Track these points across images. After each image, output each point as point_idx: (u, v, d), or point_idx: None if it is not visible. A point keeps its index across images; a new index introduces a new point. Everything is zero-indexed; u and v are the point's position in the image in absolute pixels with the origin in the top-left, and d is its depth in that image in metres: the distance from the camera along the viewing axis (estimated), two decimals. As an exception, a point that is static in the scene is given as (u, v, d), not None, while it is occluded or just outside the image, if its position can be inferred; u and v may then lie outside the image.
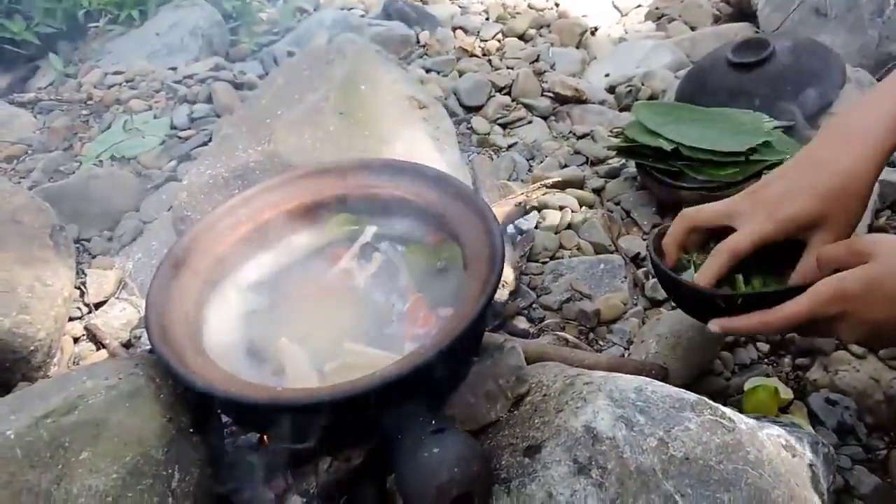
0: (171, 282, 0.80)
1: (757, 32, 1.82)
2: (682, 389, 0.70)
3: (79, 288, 1.21)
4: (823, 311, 0.66)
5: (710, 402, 0.68)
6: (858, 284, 0.65)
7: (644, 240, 1.22)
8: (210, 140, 1.57)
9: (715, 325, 0.74)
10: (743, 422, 0.66)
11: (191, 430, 0.72)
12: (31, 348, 1.00)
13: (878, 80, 1.41)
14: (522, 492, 0.62)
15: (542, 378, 0.77)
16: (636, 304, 1.10)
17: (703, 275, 0.77)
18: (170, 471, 0.67)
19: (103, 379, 0.71)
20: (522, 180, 1.43)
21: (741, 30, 1.89)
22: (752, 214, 0.76)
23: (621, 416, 0.65)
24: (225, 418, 0.86)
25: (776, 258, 0.78)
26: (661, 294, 1.10)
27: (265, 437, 0.83)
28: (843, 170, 0.72)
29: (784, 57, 1.33)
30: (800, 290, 0.68)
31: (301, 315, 0.81)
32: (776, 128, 1.20)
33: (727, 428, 0.65)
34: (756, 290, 0.77)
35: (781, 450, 0.65)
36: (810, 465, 0.66)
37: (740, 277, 0.79)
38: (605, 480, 0.61)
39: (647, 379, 0.72)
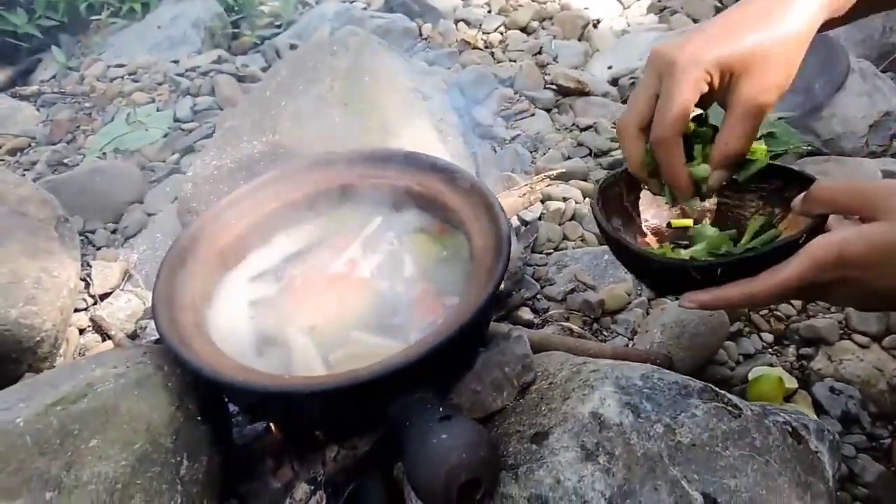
0: (178, 271, 0.80)
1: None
2: (687, 377, 0.70)
3: (84, 280, 1.21)
4: (818, 279, 0.56)
5: (716, 389, 0.69)
6: (866, 249, 0.53)
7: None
8: (213, 133, 1.57)
9: (689, 302, 0.62)
10: (749, 409, 0.67)
11: (198, 418, 0.73)
12: (38, 339, 1.00)
13: (883, 71, 1.42)
14: (530, 477, 0.62)
15: (547, 367, 0.77)
16: (640, 295, 1.11)
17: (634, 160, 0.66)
18: (178, 458, 0.68)
19: (112, 367, 0.71)
20: (526, 172, 1.43)
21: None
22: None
23: (628, 403, 0.65)
24: (232, 407, 0.87)
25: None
26: (665, 284, 1.10)
27: (272, 425, 0.83)
28: (783, 17, 0.61)
29: (788, 48, 1.33)
30: (787, 248, 0.58)
31: (307, 304, 0.82)
32: (780, 118, 1.19)
33: (733, 415, 0.65)
34: (734, 253, 0.66)
35: (787, 437, 0.66)
36: (816, 453, 0.66)
37: (705, 227, 0.71)
38: (612, 466, 0.61)
39: (654, 366, 0.72)
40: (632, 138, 0.66)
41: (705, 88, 0.61)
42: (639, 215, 0.78)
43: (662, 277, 0.67)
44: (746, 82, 0.60)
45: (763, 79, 0.60)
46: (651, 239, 0.77)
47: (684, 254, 0.68)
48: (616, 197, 0.76)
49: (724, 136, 0.63)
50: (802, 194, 0.61)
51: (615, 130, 0.69)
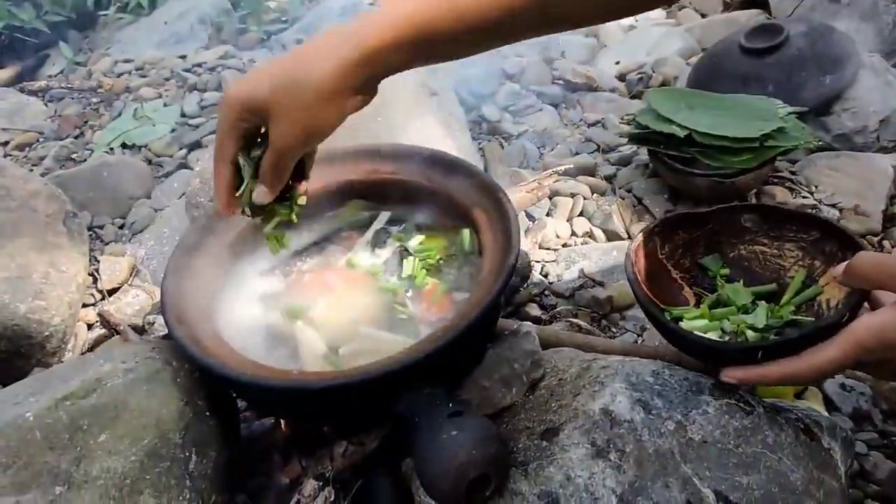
0: (186, 266, 0.80)
1: (768, 19, 1.81)
2: (699, 374, 0.70)
3: (92, 275, 1.21)
4: (862, 359, 0.56)
5: (728, 386, 0.68)
6: None
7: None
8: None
9: (729, 378, 0.63)
10: (761, 405, 0.66)
11: (207, 413, 0.73)
12: (46, 334, 1.00)
13: (895, 66, 1.40)
14: (540, 474, 0.62)
15: (557, 363, 0.77)
16: (649, 291, 1.10)
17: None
18: (187, 454, 0.68)
19: (121, 362, 0.71)
20: (533, 168, 1.43)
21: (752, 16, 1.87)
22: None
23: (639, 400, 0.65)
24: (241, 402, 0.86)
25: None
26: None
27: (281, 421, 0.83)
28: (312, 64, 0.62)
29: (798, 42, 1.32)
30: (829, 329, 0.58)
31: (316, 300, 0.81)
32: (790, 113, 1.19)
33: (745, 411, 0.65)
34: (762, 332, 0.68)
35: (800, 433, 0.65)
36: (829, 450, 0.66)
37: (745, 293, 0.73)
38: (623, 463, 0.61)
39: (664, 363, 0.71)
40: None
41: (244, 126, 0.66)
42: (675, 266, 0.79)
43: (702, 354, 0.70)
44: (272, 127, 0.64)
45: (281, 127, 0.64)
46: (689, 293, 0.78)
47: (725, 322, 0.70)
48: (652, 253, 0.77)
49: (263, 173, 0.69)
50: (843, 266, 0.61)
51: None
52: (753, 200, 1.22)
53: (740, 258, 0.79)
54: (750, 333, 0.69)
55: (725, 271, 0.78)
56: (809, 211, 0.70)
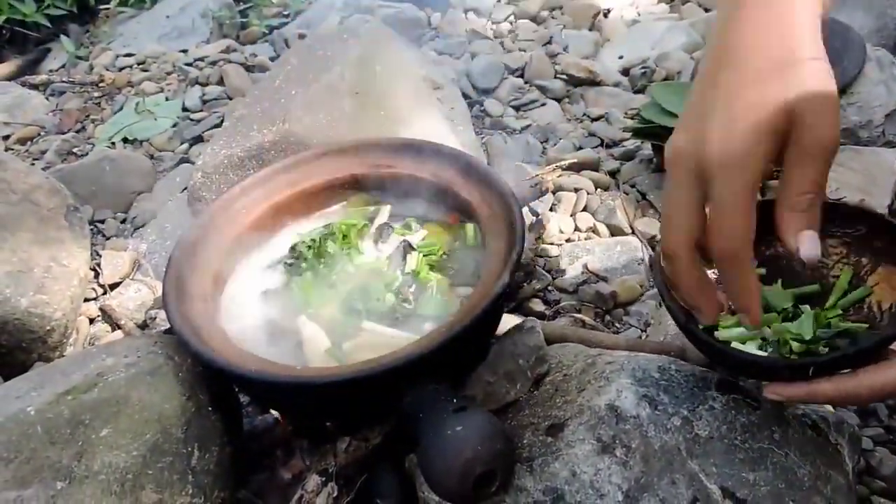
0: (189, 260, 0.79)
1: (774, 13, 1.79)
2: (705, 369, 0.70)
3: (93, 269, 1.21)
4: None
5: (734, 381, 0.68)
6: None
7: (661, 221, 1.20)
8: (222, 122, 1.56)
9: (774, 394, 0.56)
10: (767, 401, 0.65)
11: (210, 408, 0.72)
12: (48, 328, 1.00)
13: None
14: (546, 470, 0.62)
15: (562, 358, 0.76)
16: (653, 287, 1.09)
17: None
18: (189, 449, 0.67)
19: (123, 357, 0.71)
20: (536, 162, 1.42)
21: (757, 11, 1.86)
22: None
23: (645, 395, 0.64)
24: (244, 397, 0.86)
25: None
26: (679, 276, 1.09)
27: (284, 416, 0.83)
28: (796, 44, 0.51)
29: (804, 36, 1.31)
30: (885, 342, 0.54)
31: (320, 294, 0.81)
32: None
33: (752, 407, 0.64)
34: (810, 343, 0.60)
35: (807, 429, 0.65)
36: (836, 445, 0.65)
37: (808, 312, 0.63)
38: (629, 459, 0.60)
39: (670, 358, 0.71)
40: (685, 260, 0.55)
41: (767, 167, 0.51)
42: (708, 264, 0.69)
43: (742, 369, 0.63)
44: (806, 131, 0.49)
45: (823, 116, 0.49)
46: (723, 296, 0.69)
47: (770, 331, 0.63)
48: None
49: (792, 196, 0.51)
50: None
51: (664, 254, 0.58)
52: (760, 196, 1.21)
53: (777, 256, 0.71)
54: (795, 345, 0.61)
55: (761, 271, 0.71)
56: (855, 203, 0.64)
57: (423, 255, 0.84)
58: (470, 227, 0.84)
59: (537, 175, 1.23)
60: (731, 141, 0.50)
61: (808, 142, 0.49)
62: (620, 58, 1.81)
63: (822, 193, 0.51)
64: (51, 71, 2.04)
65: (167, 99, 1.75)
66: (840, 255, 0.68)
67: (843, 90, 1.29)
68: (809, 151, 0.50)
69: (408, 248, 0.85)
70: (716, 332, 0.63)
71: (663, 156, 1.16)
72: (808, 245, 0.52)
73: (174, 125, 1.64)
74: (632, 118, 1.49)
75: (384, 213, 0.91)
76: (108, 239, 1.33)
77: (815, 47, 0.51)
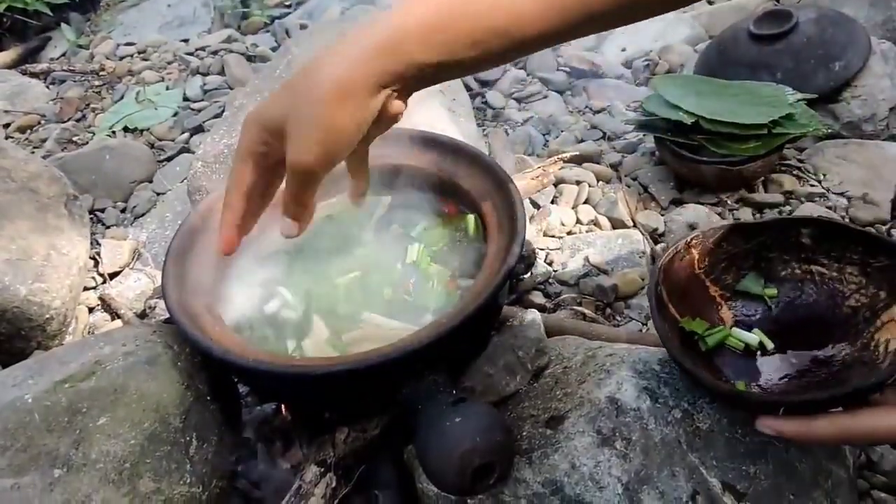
0: (188, 250, 0.79)
1: (777, 5, 1.79)
2: (706, 362, 0.69)
3: (93, 258, 1.20)
4: None
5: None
6: None
7: (662, 214, 1.20)
8: (223, 112, 1.56)
9: (767, 428, 0.55)
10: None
11: (208, 398, 0.72)
12: (47, 317, 1.00)
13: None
14: (545, 462, 0.61)
15: (562, 351, 0.76)
16: (654, 280, 1.09)
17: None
18: (187, 438, 0.67)
19: (121, 345, 0.70)
20: (538, 155, 1.41)
21: (761, 3, 1.85)
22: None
23: (645, 388, 0.64)
24: (243, 388, 0.86)
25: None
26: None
27: (283, 406, 0.82)
28: (320, 67, 0.56)
29: (808, 28, 1.30)
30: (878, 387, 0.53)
31: (319, 285, 0.80)
32: (799, 100, 1.17)
33: (753, 401, 0.64)
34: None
35: (807, 424, 0.64)
36: (836, 440, 0.65)
37: None
38: (629, 452, 0.60)
39: (671, 351, 0.70)
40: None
41: (262, 150, 0.60)
42: (714, 283, 0.72)
43: (739, 405, 0.62)
44: (287, 145, 0.57)
45: (295, 142, 0.57)
46: (727, 314, 0.71)
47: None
48: (688, 266, 0.70)
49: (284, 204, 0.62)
50: None
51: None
52: (763, 190, 1.21)
53: (793, 277, 0.70)
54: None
55: (772, 291, 0.71)
56: (879, 233, 0.62)
57: (424, 247, 0.84)
58: (471, 218, 0.83)
59: (539, 167, 1.22)
60: (249, 114, 0.61)
61: (287, 156, 0.58)
62: (623, 50, 1.80)
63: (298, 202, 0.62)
64: (51, 59, 2.03)
65: (168, 88, 1.74)
66: (858, 285, 0.66)
67: (847, 83, 1.28)
68: (287, 164, 0.58)
69: (408, 239, 0.85)
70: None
71: (665, 148, 1.15)
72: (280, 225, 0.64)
73: (175, 115, 1.63)
74: (634, 111, 1.49)
75: (384, 203, 0.90)
76: (108, 228, 1.33)
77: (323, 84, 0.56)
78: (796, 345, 0.67)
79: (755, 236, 0.72)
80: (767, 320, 0.70)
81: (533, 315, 0.77)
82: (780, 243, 0.71)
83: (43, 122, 1.70)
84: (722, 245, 0.71)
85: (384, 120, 0.61)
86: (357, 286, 0.80)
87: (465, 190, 0.83)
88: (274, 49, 1.90)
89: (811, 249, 0.69)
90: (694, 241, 0.71)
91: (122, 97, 1.74)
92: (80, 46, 2.07)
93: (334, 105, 0.55)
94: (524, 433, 0.65)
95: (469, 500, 0.63)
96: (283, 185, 0.62)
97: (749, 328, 0.69)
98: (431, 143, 0.89)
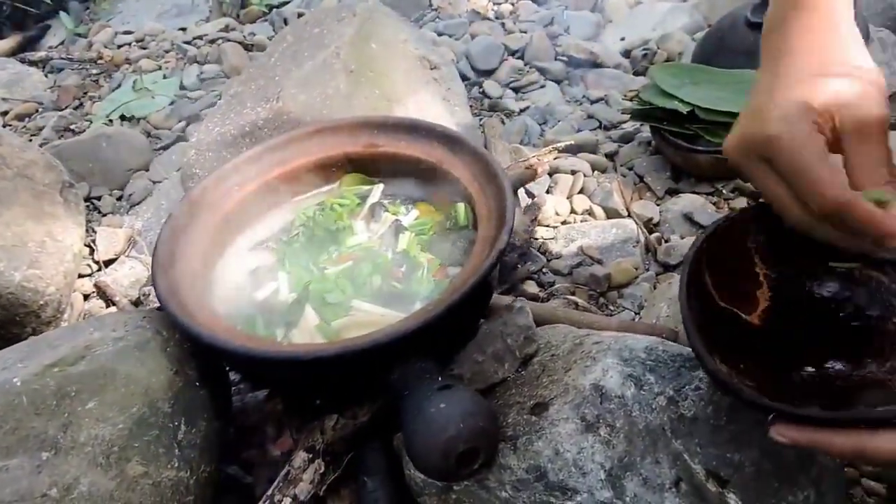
0: (179, 237, 0.79)
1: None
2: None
3: (88, 246, 1.21)
4: None
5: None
6: None
7: (658, 204, 1.20)
8: (220, 100, 1.56)
9: (781, 437, 0.51)
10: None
11: (197, 383, 0.72)
12: (41, 303, 1.00)
13: (904, 43, 1.37)
14: (529, 448, 0.62)
15: (551, 338, 0.76)
16: (648, 269, 1.09)
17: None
18: (176, 423, 0.67)
19: (111, 331, 0.71)
20: (534, 145, 1.41)
21: (760, -8, 1.84)
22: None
23: (630, 375, 0.64)
24: (235, 375, 0.86)
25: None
26: (674, 259, 1.08)
27: (272, 393, 0.83)
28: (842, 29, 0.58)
29: (806, 18, 1.29)
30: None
31: (309, 273, 0.81)
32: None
33: (738, 388, 0.64)
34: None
35: (793, 411, 0.64)
36: (822, 428, 0.65)
37: None
38: (612, 438, 0.60)
39: (659, 339, 0.71)
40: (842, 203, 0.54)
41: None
42: (764, 262, 0.66)
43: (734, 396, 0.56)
44: (853, 110, 0.54)
45: (864, 93, 0.55)
46: (764, 295, 0.65)
47: None
48: (739, 238, 0.64)
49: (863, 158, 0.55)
50: None
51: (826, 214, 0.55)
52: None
53: (851, 278, 0.65)
54: None
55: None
56: None
57: (415, 235, 0.84)
58: (461, 206, 0.83)
59: (534, 157, 1.22)
60: (779, 121, 0.55)
61: (853, 124, 0.54)
62: (622, 39, 1.80)
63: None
64: (50, 48, 2.03)
65: (165, 77, 1.74)
66: None
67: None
68: (861, 131, 0.54)
69: (399, 227, 0.85)
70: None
71: (661, 138, 1.13)
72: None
73: (171, 103, 1.63)
74: (631, 100, 1.48)
75: (376, 192, 0.90)
76: (103, 216, 1.33)
77: (856, 54, 0.57)
78: (824, 342, 0.62)
79: None
80: (804, 313, 0.65)
81: (522, 303, 0.77)
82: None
83: (41, 109, 1.71)
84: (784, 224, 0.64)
85: None
86: (347, 274, 0.80)
87: (456, 178, 0.83)
88: (272, 38, 1.90)
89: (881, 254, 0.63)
90: (755, 212, 0.66)
91: (119, 85, 1.74)
92: (79, 35, 2.07)
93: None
94: (510, 420, 0.65)
95: (454, 486, 0.64)
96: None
97: (782, 317, 0.64)
98: (423, 131, 0.89)
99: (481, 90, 1.62)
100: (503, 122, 1.49)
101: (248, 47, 1.82)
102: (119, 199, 1.38)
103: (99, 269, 1.18)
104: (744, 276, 0.65)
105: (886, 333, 0.61)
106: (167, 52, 1.88)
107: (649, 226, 1.17)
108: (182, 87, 1.69)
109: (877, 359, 0.59)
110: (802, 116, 0.54)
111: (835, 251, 0.62)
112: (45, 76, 1.86)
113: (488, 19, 1.91)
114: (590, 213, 1.21)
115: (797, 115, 0.54)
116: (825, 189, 0.53)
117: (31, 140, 1.55)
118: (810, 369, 0.60)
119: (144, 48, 1.91)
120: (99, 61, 1.88)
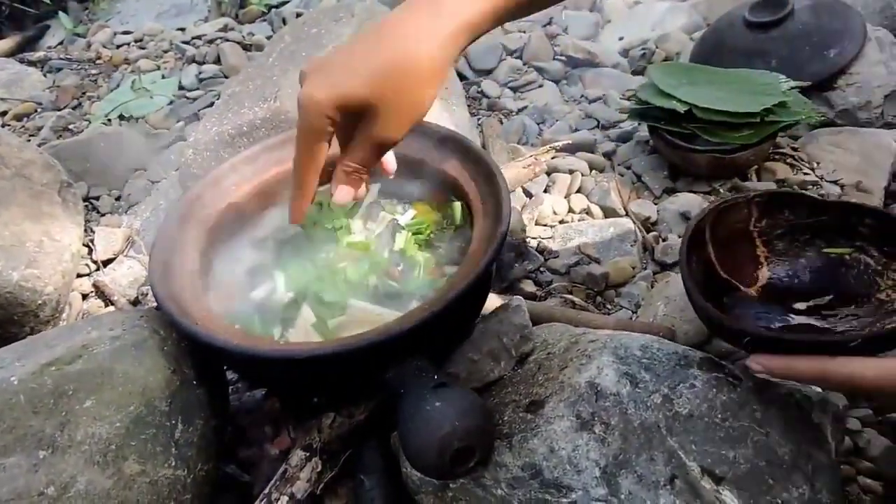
0: (176, 236, 0.79)
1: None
2: (688, 347, 0.69)
3: (87, 245, 1.21)
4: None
5: (717, 359, 0.67)
6: None
7: (655, 203, 1.20)
8: (218, 100, 1.56)
9: (758, 365, 0.59)
10: (750, 380, 0.65)
11: (194, 382, 0.72)
12: (40, 302, 1.00)
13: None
14: (524, 446, 0.62)
15: (547, 337, 0.76)
16: (645, 268, 1.09)
17: None
18: (173, 422, 0.67)
19: (108, 330, 0.71)
20: (532, 144, 1.41)
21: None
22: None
23: (626, 373, 0.64)
24: (233, 374, 0.86)
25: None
26: (672, 258, 1.08)
27: (270, 392, 0.83)
28: (412, 47, 0.58)
29: (803, 16, 1.30)
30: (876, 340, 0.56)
31: (307, 272, 0.81)
32: (793, 88, 1.17)
33: (733, 385, 0.64)
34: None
35: (789, 408, 0.64)
36: (818, 425, 0.65)
37: None
38: (608, 436, 0.60)
39: (654, 337, 0.71)
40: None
41: (331, 130, 0.61)
42: (765, 243, 0.74)
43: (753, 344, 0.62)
44: (375, 121, 0.60)
45: (387, 119, 0.60)
46: (763, 274, 0.74)
47: None
48: (743, 220, 0.73)
49: (344, 161, 0.65)
50: None
51: None
52: (756, 178, 1.20)
53: (843, 262, 0.73)
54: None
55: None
56: None
57: (412, 234, 0.84)
58: (457, 205, 0.84)
59: (531, 156, 1.22)
60: (305, 94, 0.61)
61: (370, 132, 0.61)
62: (620, 39, 1.80)
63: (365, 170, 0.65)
64: (49, 48, 2.03)
65: (164, 77, 1.75)
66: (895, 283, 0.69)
67: (842, 71, 1.28)
68: (369, 139, 0.61)
69: (396, 226, 0.85)
70: None
71: (659, 137, 1.15)
72: (338, 193, 0.67)
73: (170, 103, 1.63)
74: (629, 99, 1.48)
75: (373, 191, 0.90)
76: (102, 215, 1.33)
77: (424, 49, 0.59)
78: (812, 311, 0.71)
79: (819, 213, 0.74)
80: (798, 289, 0.73)
81: (518, 302, 0.78)
82: (839, 225, 0.73)
83: (39, 109, 1.71)
84: (785, 213, 0.74)
85: None
86: (344, 273, 0.80)
87: (452, 177, 0.83)
88: (270, 38, 1.90)
89: (866, 238, 0.71)
90: (756, 199, 0.74)
91: (117, 85, 1.74)
92: (78, 35, 2.07)
93: (432, 86, 0.60)
94: (505, 418, 0.66)
95: (450, 484, 0.64)
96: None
97: (781, 293, 0.72)
98: (419, 130, 0.88)
99: (479, 89, 1.62)
100: (501, 122, 1.49)
101: (246, 47, 1.82)
102: (117, 198, 1.38)
103: (97, 269, 1.18)
104: (745, 255, 0.73)
105: (871, 305, 0.69)
106: (166, 51, 1.88)
107: (647, 225, 1.17)
108: (181, 87, 1.70)
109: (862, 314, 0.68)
110: (318, 108, 0.60)
111: (830, 237, 0.73)
112: (44, 76, 1.86)
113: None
114: (587, 212, 1.22)
115: (314, 105, 0.60)
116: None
117: (29, 140, 1.55)
118: (798, 318, 0.69)
119: (143, 48, 1.92)
120: (98, 61, 1.88)
